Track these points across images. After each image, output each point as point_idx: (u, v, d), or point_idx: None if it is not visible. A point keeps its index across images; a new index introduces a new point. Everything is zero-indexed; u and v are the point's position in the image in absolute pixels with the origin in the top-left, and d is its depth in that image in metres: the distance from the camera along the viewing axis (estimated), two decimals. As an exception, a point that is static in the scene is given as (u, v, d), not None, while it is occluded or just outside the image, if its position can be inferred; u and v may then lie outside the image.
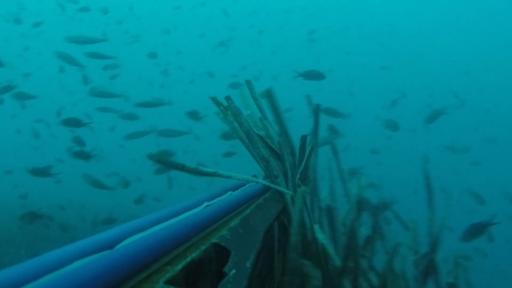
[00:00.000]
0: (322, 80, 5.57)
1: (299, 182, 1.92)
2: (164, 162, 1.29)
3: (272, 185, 1.80)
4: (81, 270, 0.55)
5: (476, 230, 3.46)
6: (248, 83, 2.13)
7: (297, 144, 2.12)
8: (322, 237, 1.75)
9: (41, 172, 5.21)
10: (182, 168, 1.35)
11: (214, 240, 0.90)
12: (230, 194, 1.43)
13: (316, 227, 1.78)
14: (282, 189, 1.80)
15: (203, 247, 0.85)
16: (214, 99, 1.86)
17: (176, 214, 1.00)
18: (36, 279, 0.54)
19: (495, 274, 10.21)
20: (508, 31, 27.10)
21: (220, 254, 0.89)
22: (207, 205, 1.15)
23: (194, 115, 5.99)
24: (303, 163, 1.97)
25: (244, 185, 1.73)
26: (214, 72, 20.10)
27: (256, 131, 1.83)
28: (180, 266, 0.72)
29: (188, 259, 0.77)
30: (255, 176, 1.97)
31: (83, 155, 5.73)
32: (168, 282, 0.66)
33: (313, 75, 5.47)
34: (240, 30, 24.75)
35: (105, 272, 0.58)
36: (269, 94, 1.89)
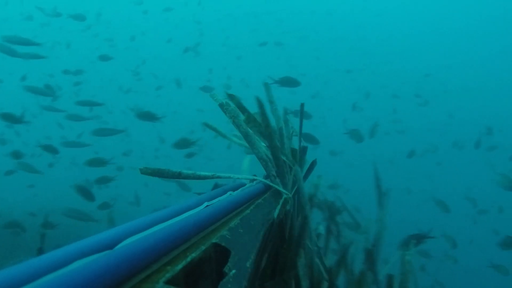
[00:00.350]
0: (297, 87, 5.66)
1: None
2: (161, 173, 1.30)
3: (272, 184, 1.80)
4: (81, 270, 0.55)
5: (415, 240, 3.79)
6: (266, 85, 2.13)
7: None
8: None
9: None
10: (179, 175, 1.36)
11: (214, 240, 0.90)
12: (230, 194, 1.43)
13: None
14: (282, 189, 1.80)
15: (203, 247, 0.85)
16: (221, 105, 1.85)
17: (176, 214, 1.00)
18: (36, 279, 0.54)
19: (465, 275, 10.37)
20: (471, 36, 27.44)
21: (220, 254, 0.89)
22: (207, 205, 1.15)
23: (148, 117, 5.94)
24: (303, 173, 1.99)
25: (244, 185, 1.73)
26: (184, 76, 20.06)
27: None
28: (180, 266, 0.73)
29: (188, 259, 0.77)
30: (255, 176, 1.98)
31: (17, 155, 5.81)
32: (168, 282, 0.67)
33: (288, 82, 5.56)
34: (209, 35, 24.65)
35: (105, 272, 0.58)
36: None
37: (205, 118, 2.03)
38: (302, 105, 2.22)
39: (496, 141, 16.71)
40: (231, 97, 1.93)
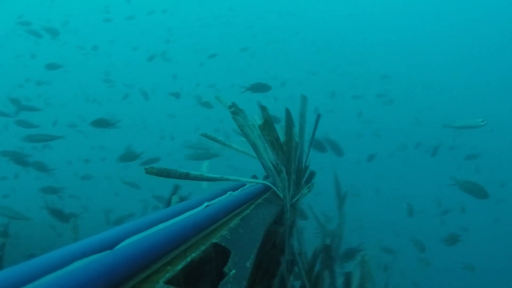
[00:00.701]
0: (268, 91, 5.77)
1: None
2: (167, 174, 1.29)
3: (274, 188, 1.80)
4: (81, 270, 0.55)
5: (349, 254, 4.08)
6: (303, 98, 2.06)
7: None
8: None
9: None
10: (186, 176, 1.36)
11: (214, 240, 0.90)
12: (230, 194, 1.43)
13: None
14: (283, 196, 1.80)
15: (203, 247, 0.85)
16: (230, 108, 1.82)
17: (176, 214, 1.00)
18: (36, 279, 0.54)
19: (438, 274, 10.60)
20: (434, 37, 27.90)
21: (220, 254, 0.89)
22: (207, 205, 1.15)
23: (102, 124, 5.96)
24: (303, 191, 1.98)
25: (244, 185, 1.73)
26: (153, 83, 19.99)
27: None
28: (180, 266, 0.73)
29: (188, 259, 0.77)
30: (254, 176, 1.98)
31: None
32: (168, 282, 0.67)
33: (260, 88, 5.68)
34: (176, 42, 24.53)
35: (105, 272, 0.58)
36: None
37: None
38: (318, 116, 2.07)
39: (461, 141, 16.94)
40: (262, 108, 1.88)
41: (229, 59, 24.96)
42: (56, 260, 0.60)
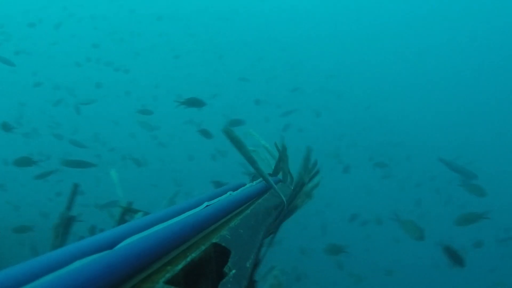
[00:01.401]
0: (203, 106, 5.82)
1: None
2: (237, 143, 1.52)
3: (277, 190, 1.81)
4: (81, 270, 0.55)
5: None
6: (308, 149, 2.14)
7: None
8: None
9: None
10: (249, 158, 1.60)
11: (214, 240, 0.90)
12: (230, 194, 1.43)
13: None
14: (283, 196, 1.82)
15: (203, 247, 0.85)
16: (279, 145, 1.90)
17: (176, 214, 1.00)
18: (36, 279, 0.54)
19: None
20: (369, 43, 27.98)
21: (220, 254, 0.89)
22: (207, 205, 1.15)
23: (5, 128, 6.06)
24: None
25: (244, 185, 1.73)
26: (86, 90, 20.08)
27: None
28: (180, 266, 0.73)
29: (188, 259, 0.77)
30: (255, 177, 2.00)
31: None
32: (168, 282, 0.67)
33: (194, 103, 5.72)
34: (104, 48, 24.30)
35: (105, 272, 0.58)
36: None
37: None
38: (308, 148, 2.12)
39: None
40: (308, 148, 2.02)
41: (164, 66, 25.19)
42: (56, 260, 0.60)
